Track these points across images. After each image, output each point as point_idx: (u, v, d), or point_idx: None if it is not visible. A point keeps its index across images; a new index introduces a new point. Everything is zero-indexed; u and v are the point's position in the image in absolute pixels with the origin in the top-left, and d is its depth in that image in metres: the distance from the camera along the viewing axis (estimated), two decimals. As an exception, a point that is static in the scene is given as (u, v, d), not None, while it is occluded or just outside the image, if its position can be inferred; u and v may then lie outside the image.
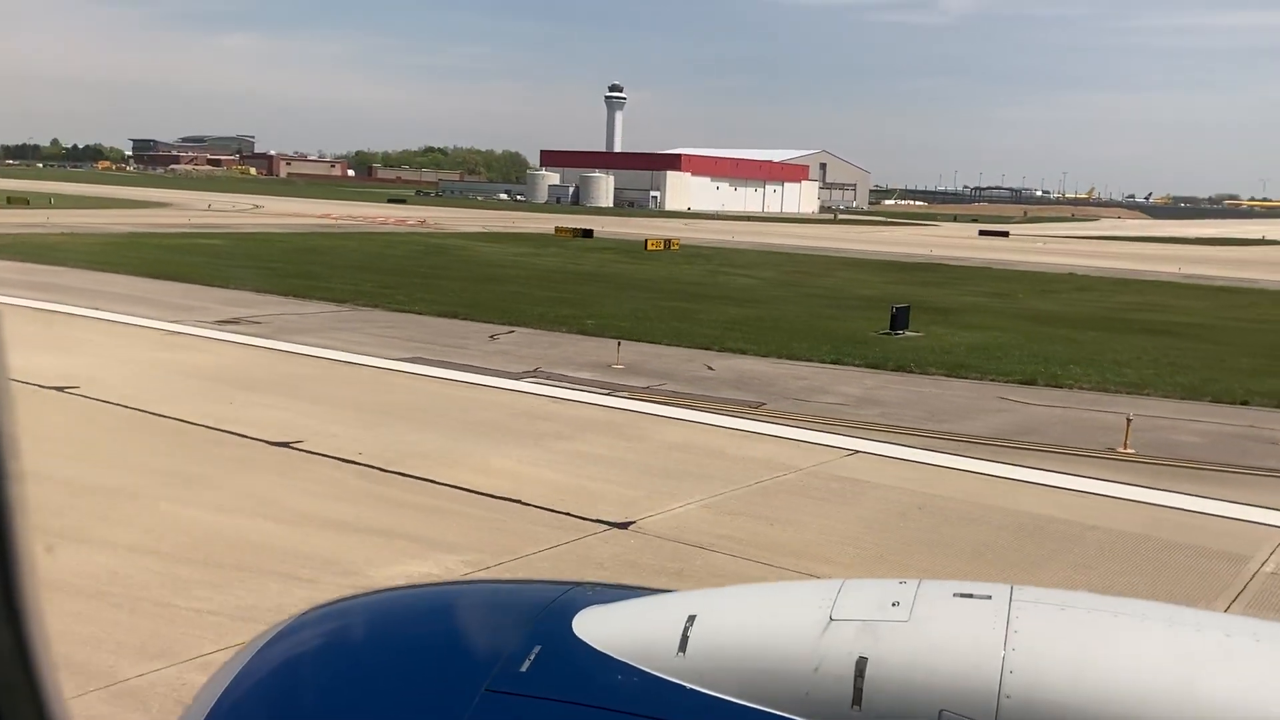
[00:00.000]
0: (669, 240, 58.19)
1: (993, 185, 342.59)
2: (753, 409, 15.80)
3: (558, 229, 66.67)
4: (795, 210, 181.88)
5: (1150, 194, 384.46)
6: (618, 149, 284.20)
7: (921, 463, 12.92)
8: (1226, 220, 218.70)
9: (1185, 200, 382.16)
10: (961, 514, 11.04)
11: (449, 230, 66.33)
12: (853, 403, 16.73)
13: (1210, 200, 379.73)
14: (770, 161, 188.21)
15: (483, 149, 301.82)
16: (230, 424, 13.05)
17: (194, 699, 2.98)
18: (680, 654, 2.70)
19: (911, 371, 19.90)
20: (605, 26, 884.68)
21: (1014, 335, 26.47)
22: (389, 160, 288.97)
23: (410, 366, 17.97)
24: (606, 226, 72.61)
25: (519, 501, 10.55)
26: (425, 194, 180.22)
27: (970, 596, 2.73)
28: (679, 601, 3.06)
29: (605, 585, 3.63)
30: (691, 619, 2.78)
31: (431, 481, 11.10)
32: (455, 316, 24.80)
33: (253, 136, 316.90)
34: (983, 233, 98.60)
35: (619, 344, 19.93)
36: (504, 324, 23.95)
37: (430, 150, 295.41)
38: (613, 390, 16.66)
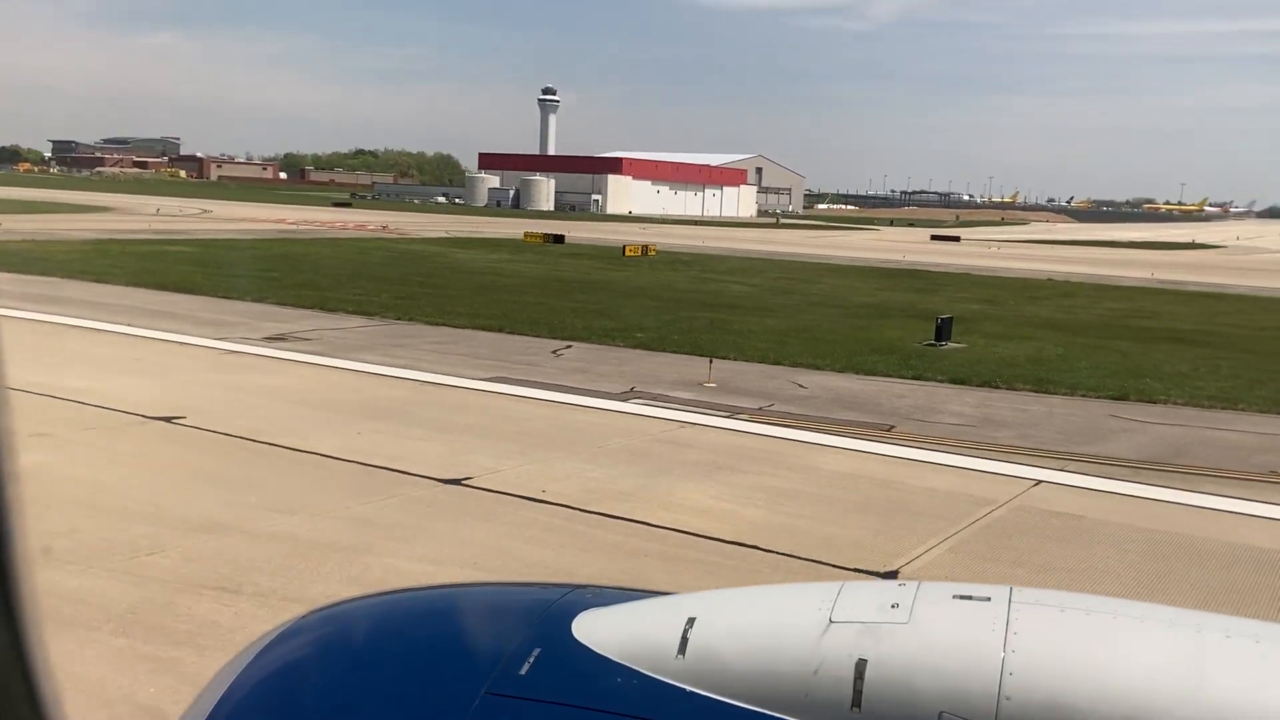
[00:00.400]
0: (645, 246, 57.43)
1: (921, 189, 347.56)
2: (885, 432, 15.15)
3: (527, 234, 65.56)
4: (734, 214, 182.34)
5: (1072, 198, 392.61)
6: (551, 151, 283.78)
7: (1115, 493, 12.31)
8: (1149, 224, 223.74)
9: (1105, 204, 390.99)
10: (1215, 553, 10.45)
11: (414, 236, 64.91)
12: (975, 423, 16.14)
13: (1129, 204, 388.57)
14: (709, 165, 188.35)
15: (414, 151, 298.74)
16: (378, 458, 12.04)
17: (193, 702, 2.93)
18: (680, 656, 2.69)
19: (999, 387, 19.37)
20: (535, 29, 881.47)
21: (1052, 346, 26.13)
22: (319, 162, 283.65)
23: (501, 387, 16.99)
24: (574, 232, 71.52)
25: (752, 546, 9.75)
26: (361, 197, 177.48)
27: (970, 598, 2.73)
28: (678, 604, 3.02)
29: (604, 588, 3.59)
30: (691, 621, 2.77)
31: (640, 523, 10.23)
32: (498, 330, 23.81)
33: (178, 138, 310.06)
34: (934, 237, 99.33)
35: (710, 362, 19.15)
36: (553, 338, 23.02)
37: (361, 152, 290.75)
38: (732, 412, 15.87)
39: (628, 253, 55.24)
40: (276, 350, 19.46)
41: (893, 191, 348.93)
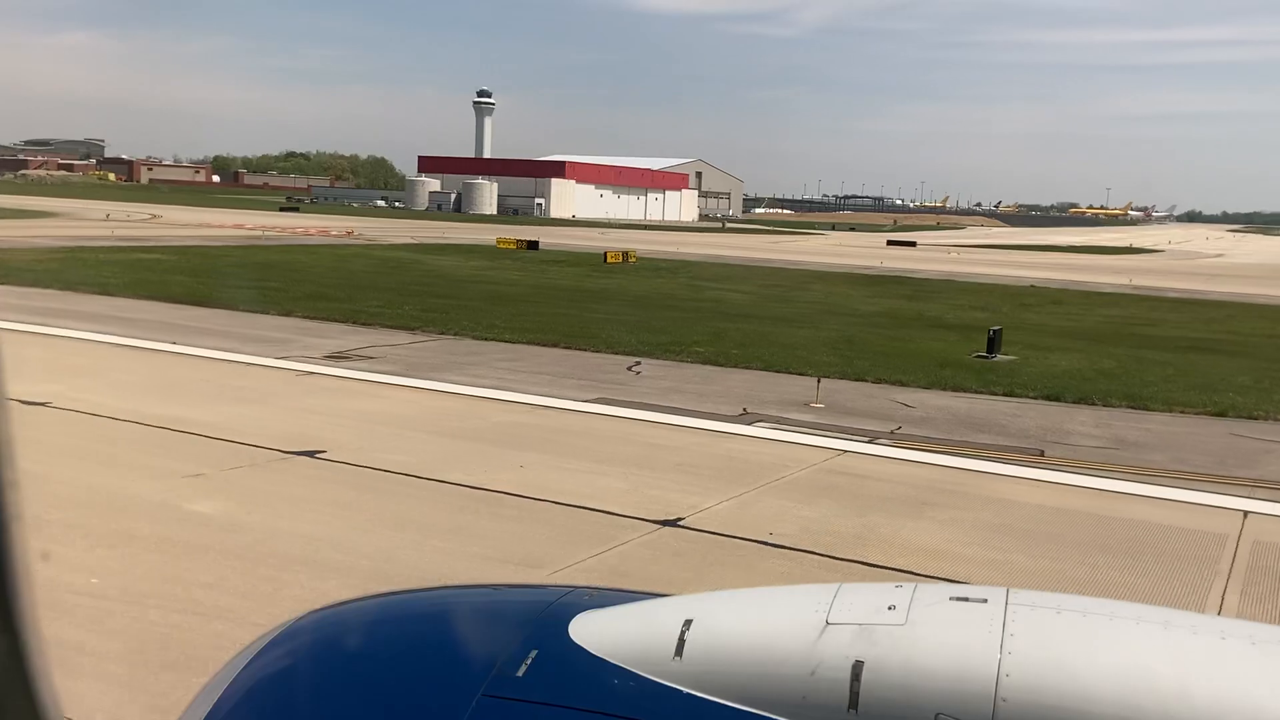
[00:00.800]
0: (625, 253, 56.64)
1: (855, 194, 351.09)
2: (1036, 456, 14.55)
3: (500, 240, 64.40)
4: (676, 218, 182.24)
5: (999, 202, 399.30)
6: (487, 154, 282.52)
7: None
8: (1079, 228, 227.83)
9: (1032, 208, 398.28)
10: None
11: (383, 243, 63.39)
12: (1114, 444, 15.58)
13: (1054, 208, 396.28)
14: (651, 170, 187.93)
15: (347, 154, 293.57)
16: (568, 496, 11.12)
17: (190, 705, 2.91)
18: (677, 658, 2.69)
19: (1094, 404, 18.90)
20: (464, 32, 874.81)
21: (1096, 357, 25.83)
22: (250, 165, 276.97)
23: (612, 410, 16.09)
24: (544, 238, 70.40)
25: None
26: (299, 200, 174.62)
27: (966, 600, 2.73)
28: (675, 606, 3.00)
29: (602, 589, 3.56)
30: (688, 623, 2.77)
31: (897, 570, 9.50)
32: (552, 345, 22.87)
33: (102, 140, 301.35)
34: (891, 242, 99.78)
35: (819, 381, 18.44)
36: (614, 353, 22.13)
37: (292, 155, 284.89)
38: (872, 437, 15.15)
39: (609, 259, 54.44)
40: (349, 370, 18.35)
41: (826, 196, 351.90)
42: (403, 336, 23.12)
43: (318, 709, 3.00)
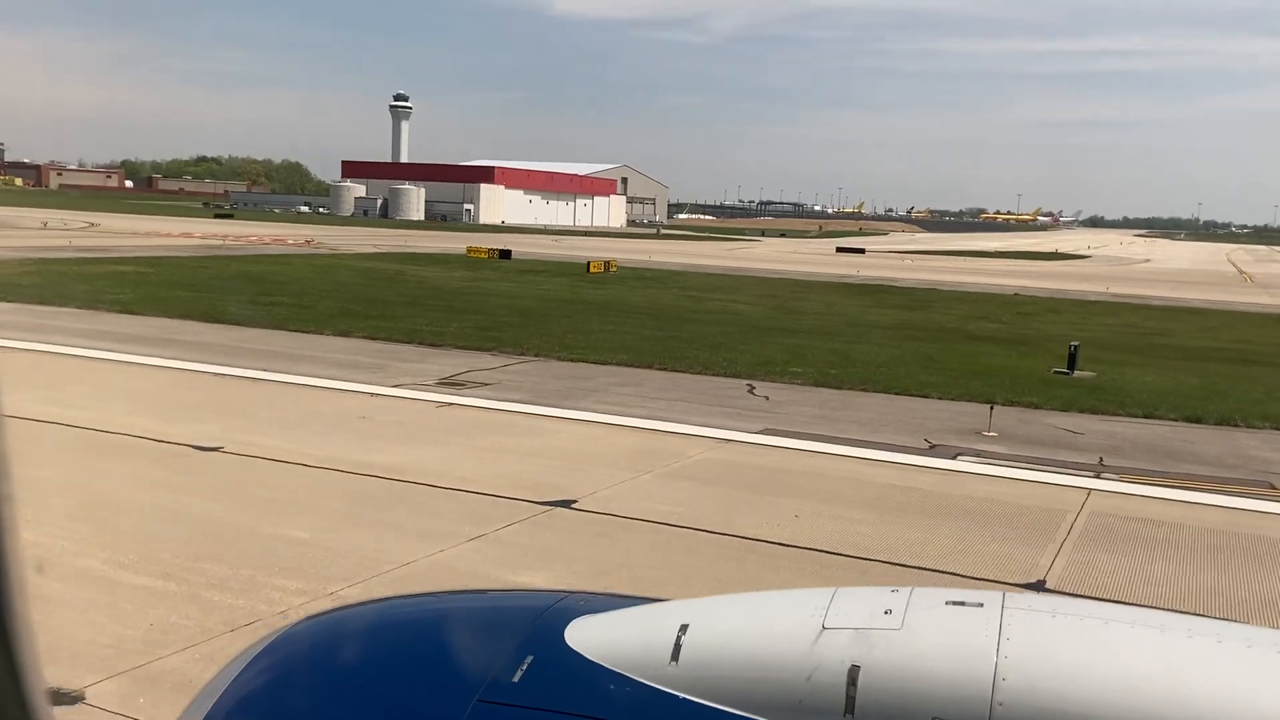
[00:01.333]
0: (607, 262, 55.46)
1: (775, 200, 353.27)
2: (1267, 490, 13.84)
3: (471, 249, 62.70)
4: (605, 224, 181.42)
5: (912, 208, 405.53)
6: (404, 159, 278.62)
7: None
8: (996, 233, 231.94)
9: (943, 214, 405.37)
10: None
11: (350, 252, 61.33)
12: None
13: (965, 213, 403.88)
14: (579, 175, 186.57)
15: (260, 158, 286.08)
16: (878, 551, 10.04)
17: (184, 711, 2.90)
18: (673, 663, 2.68)
19: (1237, 425, 18.37)
20: (383, 35, 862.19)
21: (1168, 373, 25.44)
22: (159, 169, 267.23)
23: (791, 443, 14.92)
24: (497, 244, 68.75)
25: None
26: (219, 206, 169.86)
27: (963, 604, 2.71)
28: (672, 611, 3.00)
29: (598, 594, 3.56)
30: (684, 628, 2.76)
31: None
32: (647, 366, 21.63)
33: (2, 143, 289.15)
34: (840, 249, 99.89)
35: (991, 408, 17.53)
36: (719, 376, 21.00)
37: (204, 159, 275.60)
38: (1097, 471, 14.22)
39: (592, 269, 53.21)
40: (478, 399, 17.00)
41: (744, 201, 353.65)
42: (487, 359, 21.70)
43: (313, 714, 2.96)
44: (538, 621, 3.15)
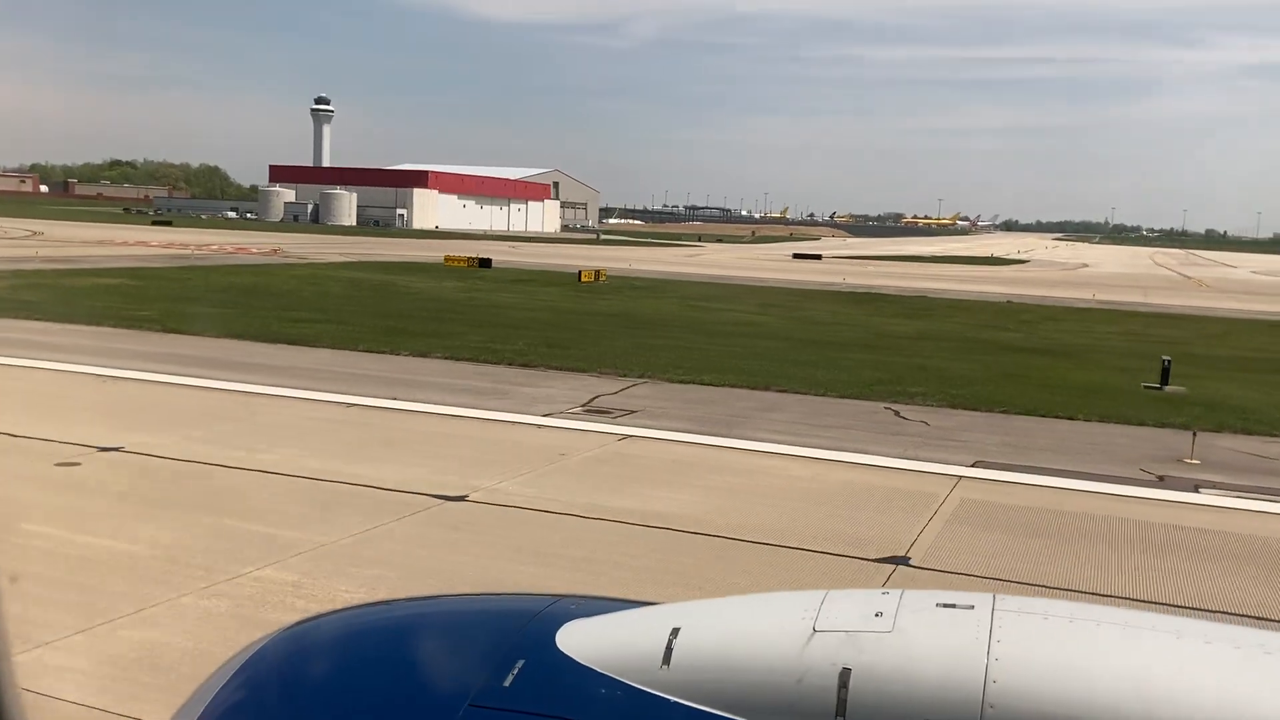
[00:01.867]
0: (598, 271, 54.25)
1: (701, 205, 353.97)
2: None
3: (448, 258, 60.99)
4: (539, 229, 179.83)
5: (834, 213, 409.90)
6: (326, 163, 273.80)
7: None
8: (922, 237, 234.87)
9: (866, 219, 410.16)
10: None
11: (324, 261, 59.23)
12: None
13: (889, 219, 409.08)
14: (511, 179, 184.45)
15: (176, 162, 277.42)
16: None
17: (173, 716, 2.88)
18: (664, 667, 2.68)
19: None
20: (300, 38, 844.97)
21: (1246, 387, 25.15)
22: (70, 174, 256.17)
23: (1022, 477, 14.02)
24: (464, 253, 67.11)
25: None
26: (142, 212, 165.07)
27: (953, 606, 2.71)
28: (662, 614, 3.00)
29: (588, 598, 3.55)
30: (675, 631, 2.76)
31: None
32: (764, 389, 20.51)
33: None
34: (796, 255, 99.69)
35: (1194, 435, 16.72)
36: (837, 396, 20.07)
37: (118, 163, 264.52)
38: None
39: (584, 278, 52.00)
40: (651, 430, 15.73)
41: (671, 206, 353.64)
42: (594, 381, 20.41)
43: None
44: (529, 625, 3.11)
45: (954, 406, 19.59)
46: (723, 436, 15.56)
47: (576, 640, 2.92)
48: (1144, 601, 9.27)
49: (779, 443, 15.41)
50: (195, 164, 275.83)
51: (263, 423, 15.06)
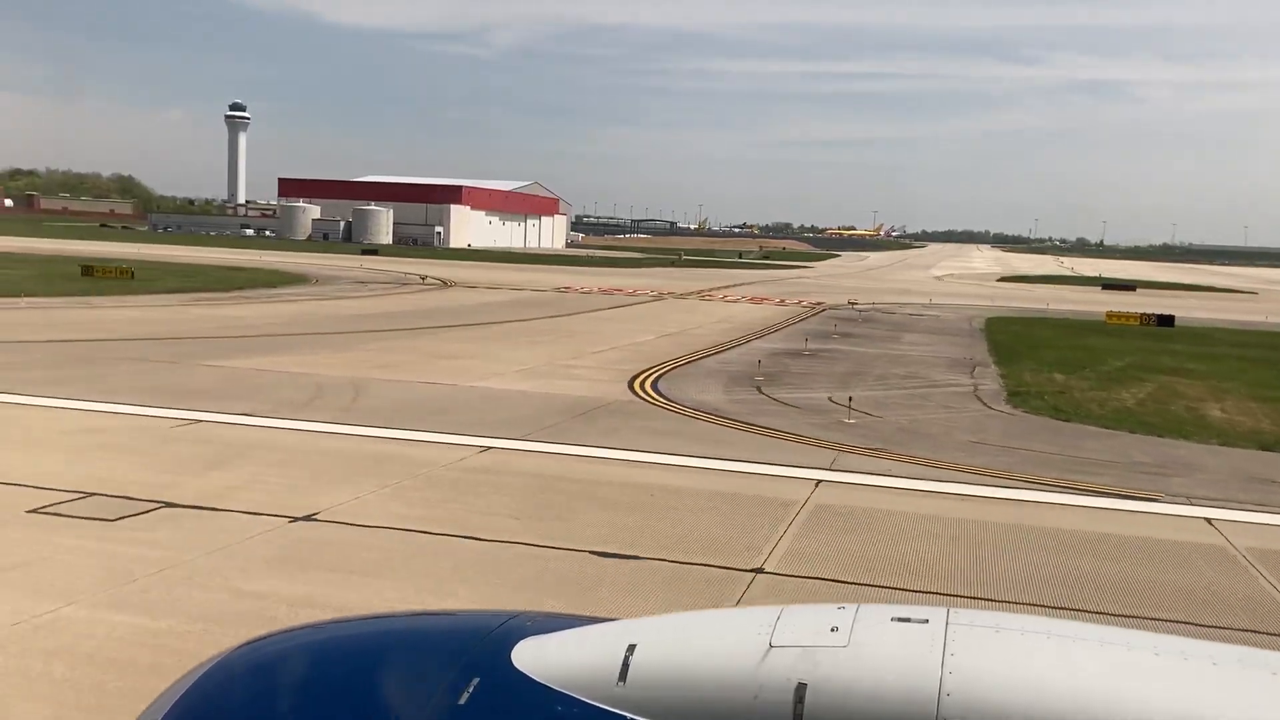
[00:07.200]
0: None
1: (650, 218, 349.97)
2: None
3: (1110, 315, 53.93)
4: (550, 244, 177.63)
5: (744, 223, 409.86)
6: (242, 172, 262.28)
7: None
8: (858, 251, 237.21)
9: (783, 228, 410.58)
10: None
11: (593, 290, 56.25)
12: None
13: (810, 230, 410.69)
14: (526, 195, 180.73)
15: (86, 172, 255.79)
16: None
17: None
18: (620, 684, 2.76)
19: None
20: (171, 46, 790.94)
21: None
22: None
23: None
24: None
25: None
26: (129, 229, 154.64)
27: (908, 621, 2.81)
28: (619, 631, 3.10)
29: (544, 614, 3.68)
30: (631, 648, 2.84)
31: None
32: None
33: None
34: (1106, 286, 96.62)
35: None
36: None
37: (19, 173, 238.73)
38: None
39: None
40: None
41: (612, 218, 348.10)
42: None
43: None
44: (484, 643, 3.15)
45: None
46: None
47: (532, 657, 2.95)
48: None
49: None
50: (106, 174, 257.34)
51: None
